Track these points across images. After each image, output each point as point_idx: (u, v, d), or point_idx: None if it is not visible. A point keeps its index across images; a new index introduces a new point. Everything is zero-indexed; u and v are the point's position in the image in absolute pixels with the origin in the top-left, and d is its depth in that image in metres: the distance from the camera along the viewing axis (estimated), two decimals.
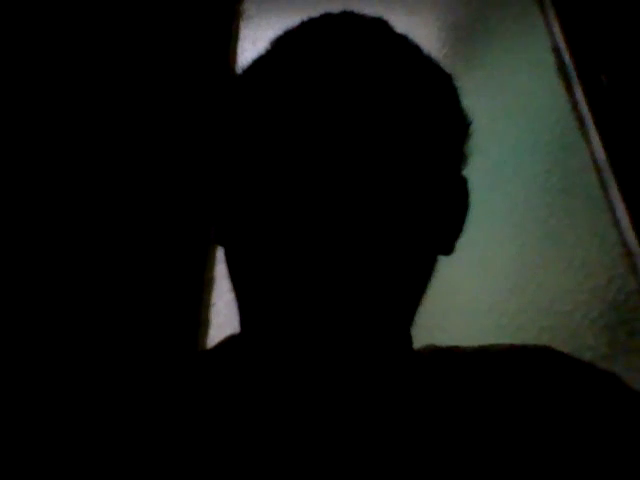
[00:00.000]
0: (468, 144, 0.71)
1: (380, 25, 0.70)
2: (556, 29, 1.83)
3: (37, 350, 1.38)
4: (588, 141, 1.66)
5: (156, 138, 1.67)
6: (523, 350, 0.72)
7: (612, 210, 1.58)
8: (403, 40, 0.70)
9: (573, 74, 1.75)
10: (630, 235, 1.53)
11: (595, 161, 1.63)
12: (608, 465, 0.65)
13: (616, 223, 1.57)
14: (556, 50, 1.81)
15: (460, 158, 0.71)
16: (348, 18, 0.70)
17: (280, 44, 0.70)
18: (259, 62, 0.70)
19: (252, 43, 1.87)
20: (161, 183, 1.62)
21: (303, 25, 0.70)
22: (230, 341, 0.72)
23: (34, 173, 1.60)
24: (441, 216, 0.68)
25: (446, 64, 0.73)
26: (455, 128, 0.70)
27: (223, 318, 1.49)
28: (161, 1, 1.86)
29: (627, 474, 0.65)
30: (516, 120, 1.75)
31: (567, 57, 1.78)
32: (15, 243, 1.52)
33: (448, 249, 0.71)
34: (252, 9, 2.01)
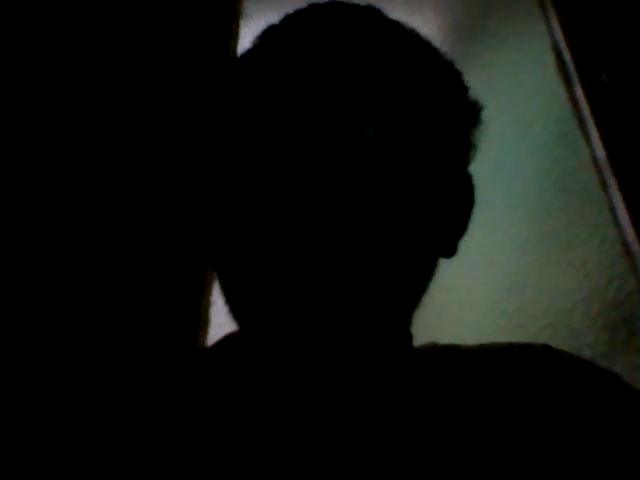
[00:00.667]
0: (476, 133, 0.69)
1: (371, 12, 0.67)
2: (556, 28, 1.83)
3: (37, 348, 1.38)
4: (588, 140, 1.66)
5: (159, 140, 1.67)
6: (523, 349, 0.72)
7: (612, 210, 1.58)
8: (398, 26, 0.68)
9: (573, 73, 1.74)
10: (630, 235, 1.53)
11: (595, 160, 1.63)
12: (608, 464, 0.65)
13: (616, 223, 1.56)
14: (556, 49, 1.81)
15: (467, 149, 0.69)
16: (337, 7, 0.66)
17: (265, 39, 0.67)
18: (245, 59, 0.68)
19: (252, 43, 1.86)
20: (162, 183, 1.62)
21: (289, 17, 0.67)
22: (229, 339, 0.72)
23: (34, 175, 1.60)
24: (445, 213, 0.67)
25: None
26: (460, 116, 0.68)
27: (223, 317, 1.49)
28: (161, 1, 1.86)
29: (627, 473, 0.65)
30: (516, 119, 1.74)
31: (567, 56, 1.77)
32: (18, 246, 1.52)
33: (451, 249, 0.70)
34: (252, 9, 2.01)
